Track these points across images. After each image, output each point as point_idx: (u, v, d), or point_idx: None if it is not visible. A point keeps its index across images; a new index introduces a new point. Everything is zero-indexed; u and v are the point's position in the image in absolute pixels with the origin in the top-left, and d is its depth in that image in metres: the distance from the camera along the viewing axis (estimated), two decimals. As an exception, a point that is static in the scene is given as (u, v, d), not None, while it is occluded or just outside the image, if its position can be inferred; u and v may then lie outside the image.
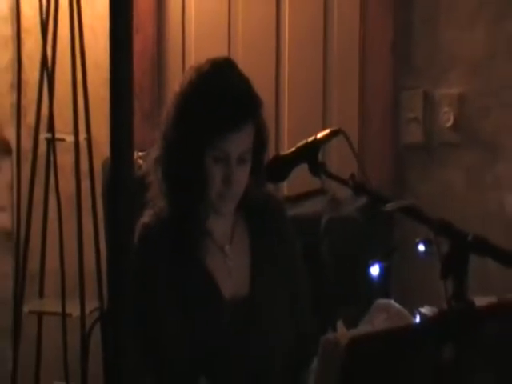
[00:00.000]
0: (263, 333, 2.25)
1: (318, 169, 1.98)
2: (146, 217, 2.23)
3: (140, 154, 2.38)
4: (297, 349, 2.28)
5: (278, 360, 2.26)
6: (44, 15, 2.99)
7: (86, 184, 3.02)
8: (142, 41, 3.17)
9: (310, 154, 1.99)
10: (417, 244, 1.72)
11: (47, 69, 3.01)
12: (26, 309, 3.09)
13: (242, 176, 2.20)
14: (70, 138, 3.02)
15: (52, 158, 3.07)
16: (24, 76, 3.17)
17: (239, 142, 2.17)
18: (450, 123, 3.10)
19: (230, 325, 2.22)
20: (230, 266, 2.27)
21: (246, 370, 2.22)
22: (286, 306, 2.30)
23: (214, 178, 2.17)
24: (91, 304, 3.05)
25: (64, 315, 3.03)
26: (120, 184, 1.37)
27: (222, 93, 2.18)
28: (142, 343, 2.17)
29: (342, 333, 2.05)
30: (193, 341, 2.19)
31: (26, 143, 3.13)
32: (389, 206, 1.83)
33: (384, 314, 1.95)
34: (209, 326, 2.21)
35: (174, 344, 2.20)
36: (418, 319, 1.74)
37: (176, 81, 3.20)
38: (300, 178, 2.08)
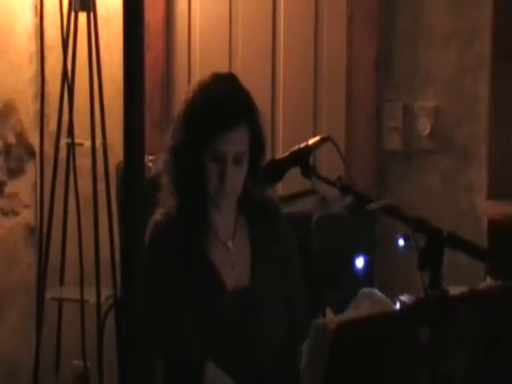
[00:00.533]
0: (260, 320, 2.24)
1: (309, 171, 1.98)
2: (157, 215, 2.23)
3: (150, 157, 2.38)
4: (290, 333, 2.26)
5: (273, 344, 2.25)
6: (65, 34, 2.99)
7: (101, 184, 3.02)
8: (152, 57, 3.16)
9: (302, 158, 1.99)
10: (397, 239, 1.72)
11: (67, 81, 3.00)
12: (47, 296, 3.09)
13: (236, 176, 2.19)
14: (88, 143, 3.02)
15: (71, 161, 3.07)
16: (47, 88, 3.17)
17: (234, 143, 2.17)
18: (426, 132, 3.10)
19: (230, 313, 2.21)
20: (232, 260, 2.27)
21: (245, 353, 2.21)
22: (281, 296, 2.29)
23: (212, 175, 2.17)
24: (106, 291, 3.05)
25: (82, 301, 3.03)
26: (132, 184, 1.37)
27: (219, 98, 2.18)
28: (154, 330, 2.16)
29: (331, 318, 2.04)
30: (199, 327, 2.18)
31: (49, 148, 3.13)
32: (372, 205, 1.83)
33: (368, 302, 1.95)
34: (212, 314, 2.20)
35: (181, 330, 2.19)
36: (398, 306, 1.73)
37: (183, 93, 3.21)
38: (293, 180, 2.08)
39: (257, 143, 2.22)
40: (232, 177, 2.18)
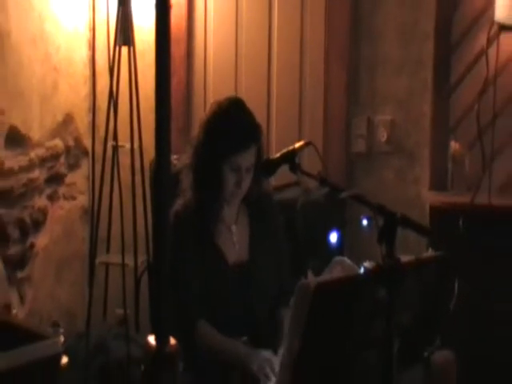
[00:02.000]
0: (256, 286, 2.22)
1: (295, 168, 1.96)
2: (177, 206, 2.19)
3: (175, 156, 2.36)
4: (280, 293, 2.25)
5: (266, 302, 2.23)
6: (111, 63, 2.97)
7: (138, 176, 3.01)
8: (176, 81, 3.15)
9: (290, 157, 1.97)
10: (361, 220, 1.70)
11: (113, 99, 2.99)
12: (97, 261, 3.08)
13: (247, 181, 2.19)
14: (128, 146, 3.00)
15: (116, 159, 3.05)
16: (97, 103, 3.16)
17: (247, 159, 2.15)
18: (384, 139, 3.10)
19: (231, 281, 2.19)
20: (234, 240, 2.24)
21: (244, 311, 2.19)
22: (273, 267, 2.27)
23: (229, 182, 2.15)
24: (141, 257, 3.04)
25: (123, 265, 3.01)
26: (161, 176, 1.36)
27: (236, 123, 2.16)
28: (172, 292, 2.14)
29: (311, 279, 2.03)
30: (208, 291, 2.16)
31: (98, 148, 3.12)
32: (343, 194, 1.81)
33: (340, 267, 1.93)
34: (217, 283, 2.18)
35: (195, 291, 2.17)
36: (362, 270, 1.71)
37: (200, 108, 3.22)
38: (283, 174, 2.06)
39: (259, 154, 2.21)
40: (245, 182, 2.17)
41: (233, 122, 2.15)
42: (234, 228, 2.25)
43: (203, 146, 2.17)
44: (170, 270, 2.06)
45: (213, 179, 2.16)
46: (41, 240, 2.94)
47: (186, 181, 2.20)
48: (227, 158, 2.13)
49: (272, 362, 2.01)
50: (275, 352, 2.07)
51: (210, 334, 2.12)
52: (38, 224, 2.92)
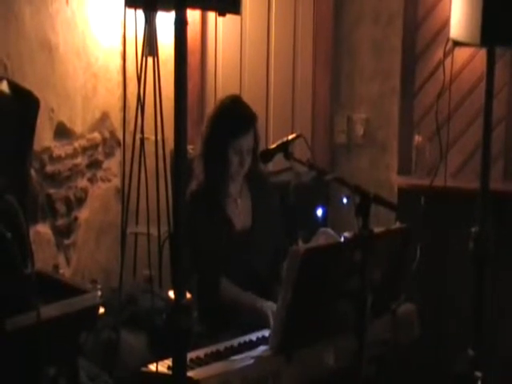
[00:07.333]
0: (258, 248, 2.22)
1: (288, 156, 1.95)
2: (193, 186, 2.21)
3: (190, 147, 2.35)
4: (276, 256, 2.25)
5: (266, 262, 2.24)
6: (139, 70, 2.94)
7: (160, 162, 2.99)
8: (192, 85, 3.12)
9: (284, 147, 1.96)
10: (342, 198, 1.70)
11: (141, 99, 2.96)
12: (128, 231, 3.05)
13: (248, 161, 2.19)
14: (153, 138, 2.98)
15: (143, 149, 3.04)
16: (128, 103, 3.14)
17: (247, 142, 2.16)
18: (361, 133, 3.09)
19: (238, 244, 2.19)
20: (239, 211, 2.24)
21: (248, 268, 2.19)
22: (270, 232, 2.27)
23: (234, 162, 2.15)
24: (164, 228, 3.02)
25: (148, 234, 2.94)
26: (179, 162, 1.36)
27: (236, 113, 2.16)
28: (191, 253, 2.15)
29: (301, 246, 2.03)
30: (219, 252, 2.16)
31: (129, 140, 3.10)
32: (327, 177, 1.81)
33: (324, 236, 1.94)
34: (227, 245, 2.18)
35: (215, 254, 2.16)
36: (342, 239, 1.71)
37: (211, 106, 3.18)
38: (278, 161, 2.05)
39: (256, 139, 2.21)
40: (246, 162, 2.18)
41: (233, 112, 2.16)
42: (238, 201, 2.25)
43: (211, 136, 2.18)
44: (191, 241, 2.09)
45: (220, 161, 2.16)
46: (83, 213, 2.94)
47: (198, 167, 2.21)
48: (231, 142, 2.14)
49: None
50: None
51: (232, 289, 2.14)
52: (80, 201, 2.92)
